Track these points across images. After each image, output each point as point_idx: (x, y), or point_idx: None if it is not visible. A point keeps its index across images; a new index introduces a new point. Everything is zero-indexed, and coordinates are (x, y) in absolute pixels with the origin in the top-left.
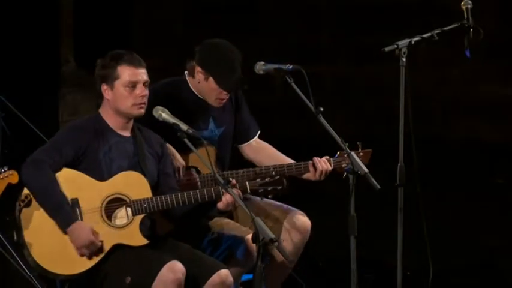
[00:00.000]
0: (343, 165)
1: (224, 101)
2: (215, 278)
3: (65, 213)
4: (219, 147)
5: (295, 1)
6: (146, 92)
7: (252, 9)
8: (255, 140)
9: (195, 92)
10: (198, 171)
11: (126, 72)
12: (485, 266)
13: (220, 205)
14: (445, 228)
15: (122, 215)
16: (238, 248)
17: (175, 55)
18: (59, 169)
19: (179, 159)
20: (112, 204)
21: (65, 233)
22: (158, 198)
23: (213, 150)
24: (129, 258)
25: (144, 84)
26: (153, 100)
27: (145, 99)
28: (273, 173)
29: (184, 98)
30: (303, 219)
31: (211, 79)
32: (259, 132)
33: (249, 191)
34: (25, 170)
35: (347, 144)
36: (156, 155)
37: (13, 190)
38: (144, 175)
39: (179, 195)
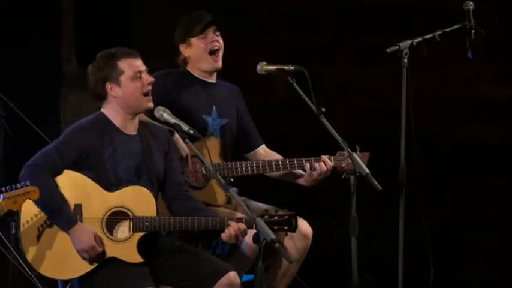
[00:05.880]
0: (343, 165)
1: (218, 55)
2: (224, 280)
3: (65, 214)
4: (222, 139)
5: (296, 1)
6: (151, 78)
7: (252, 10)
8: (263, 148)
9: (198, 76)
10: (201, 161)
11: (128, 65)
12: (485, 266)
13: (223, 236)
14: (445, 229)
15: (125, 228)
16: (242, 242)
17: (176, 55)
18: (60, 173)
19: (184, 148)
20: (114, 217)
21: (67, 233)
22: (161, 220)
23: (217, 142)
24: (114, 274)
25: (147, 71)
26: (156, 89)
27: (151, 87)
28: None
29: (186, 86)
30: (305, 225)
31: (192, 40)
32: (263, 144)
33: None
34: (24, 174)
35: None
36: (163, 151)
37: None
38: (150, 175)
39: (183, 220)
